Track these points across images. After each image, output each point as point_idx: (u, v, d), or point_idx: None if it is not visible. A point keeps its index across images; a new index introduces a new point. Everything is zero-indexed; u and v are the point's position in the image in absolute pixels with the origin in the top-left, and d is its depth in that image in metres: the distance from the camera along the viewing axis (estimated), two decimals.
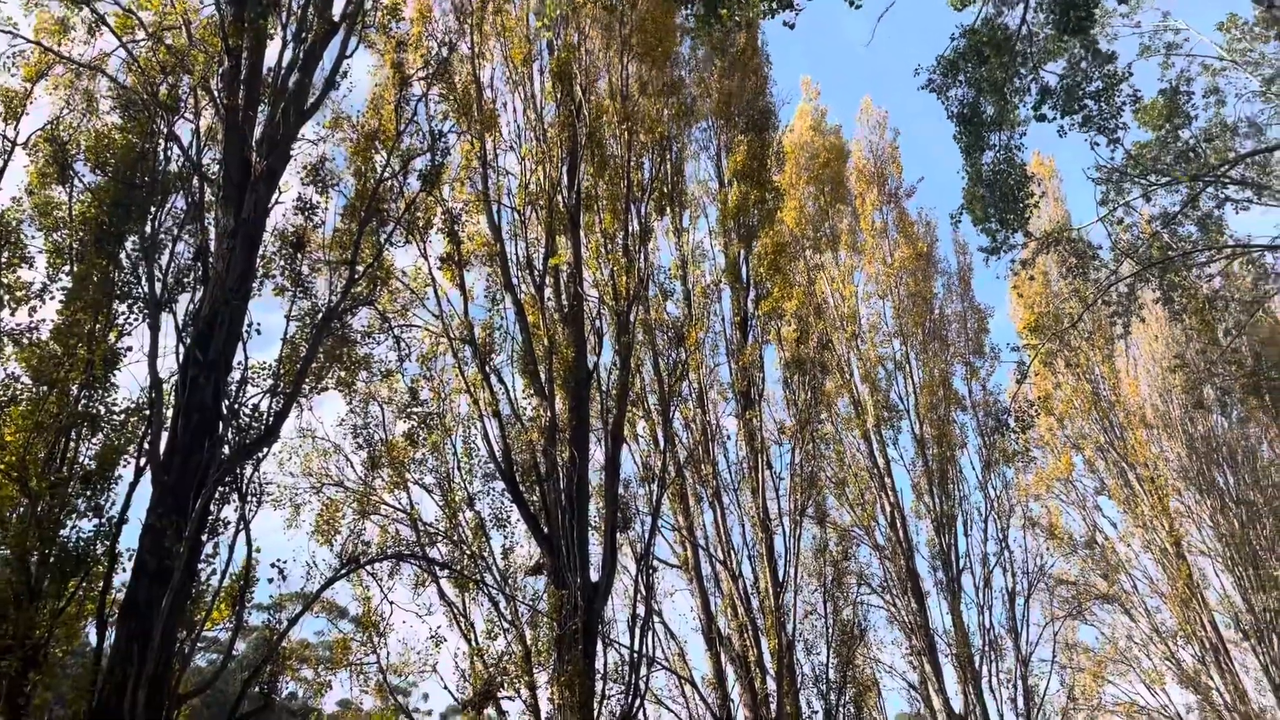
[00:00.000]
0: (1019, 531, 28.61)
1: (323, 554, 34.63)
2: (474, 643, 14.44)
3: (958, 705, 24.60)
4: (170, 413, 10.94)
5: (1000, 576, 25.75)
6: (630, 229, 18.16)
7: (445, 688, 14.88)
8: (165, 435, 10.79)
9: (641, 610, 15.64)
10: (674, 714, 19.99)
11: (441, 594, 14.88)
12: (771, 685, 19.95)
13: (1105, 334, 31.95)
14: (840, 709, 20.42)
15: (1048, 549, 29.10)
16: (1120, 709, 30.38)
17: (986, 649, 24.75)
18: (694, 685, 19.91)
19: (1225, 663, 30.20)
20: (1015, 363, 29.78)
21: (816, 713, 20.39)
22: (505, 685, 14.17)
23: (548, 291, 17.40)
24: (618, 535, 16.50)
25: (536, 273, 17.36)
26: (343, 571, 12.31)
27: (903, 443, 27.42)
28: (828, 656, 20.70)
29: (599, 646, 15.03)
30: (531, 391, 16.47)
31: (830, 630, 21.12)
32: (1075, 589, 29.90)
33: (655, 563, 18.58)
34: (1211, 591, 32.03)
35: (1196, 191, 14.85)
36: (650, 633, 15.98)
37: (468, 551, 14.82)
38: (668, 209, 20.57)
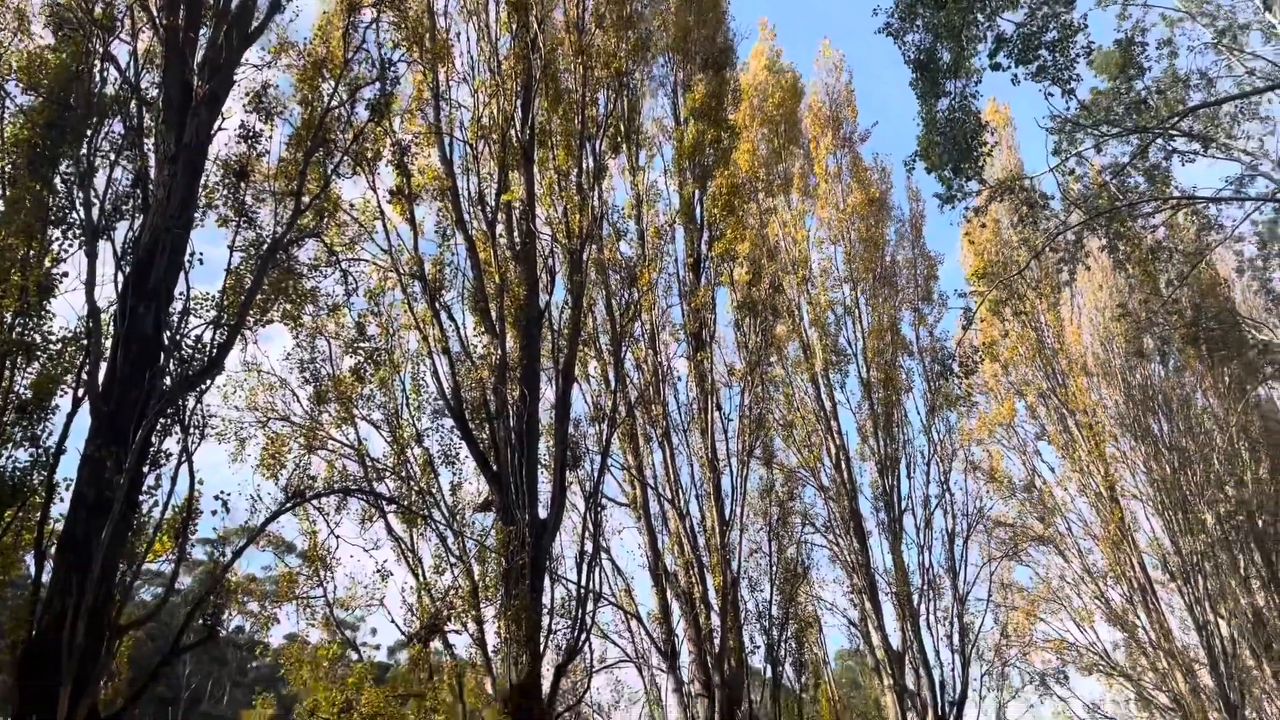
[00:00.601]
0: (960, 475, 29.31)
1: (268, 488, 34.45)
2: (421, 577, 14.50)
3: (896, 642, 25.33)
4: (110, 343, 10.68)
5: (941, 518, 26.44)
6: (585, 166, 17.96)
7: (393, 621, 15.00)
8: (104, 365, 10.55)
9: (589, 547, 15.79)
10: (620, 648, 20.37)
11: (389, 529, 14.88)
12: (716, 621, 20.35)
13: (1052, 282, 32.42)
14: (783, 644, 20.96)
15: (987, 492, 29.85)
16: (1050, 645, 31.49)
17: (925, 588, 25.45)
18: (640, 620, 20.27)
19: (1152, 602, 31.37)
20: (962, 309, 30.13)
21: (759, 647, 20.94)
22: (452, 619, 14.28)
23: (500, 228, 17.20)
24: (567, 474, 16.58)
25: (489, 209, 17.13)
26: (288, 505, 12.23)
27: (850, 387, 27.83)
28: (771, 593, 21.17)
29: (546, 582, 15.19)
30: (482, 329, 16.36)
31: (774, 568, 21.56)
32: (1012, 531, 30.75)
33: (604, 501, 18.76)
34: (1141, 534, 33.11)
35: (1146, 143, 15.00)
36: (598, 569, 16.17)
37: (416, 487, 14.80)
38: (623, 147, 20.37)
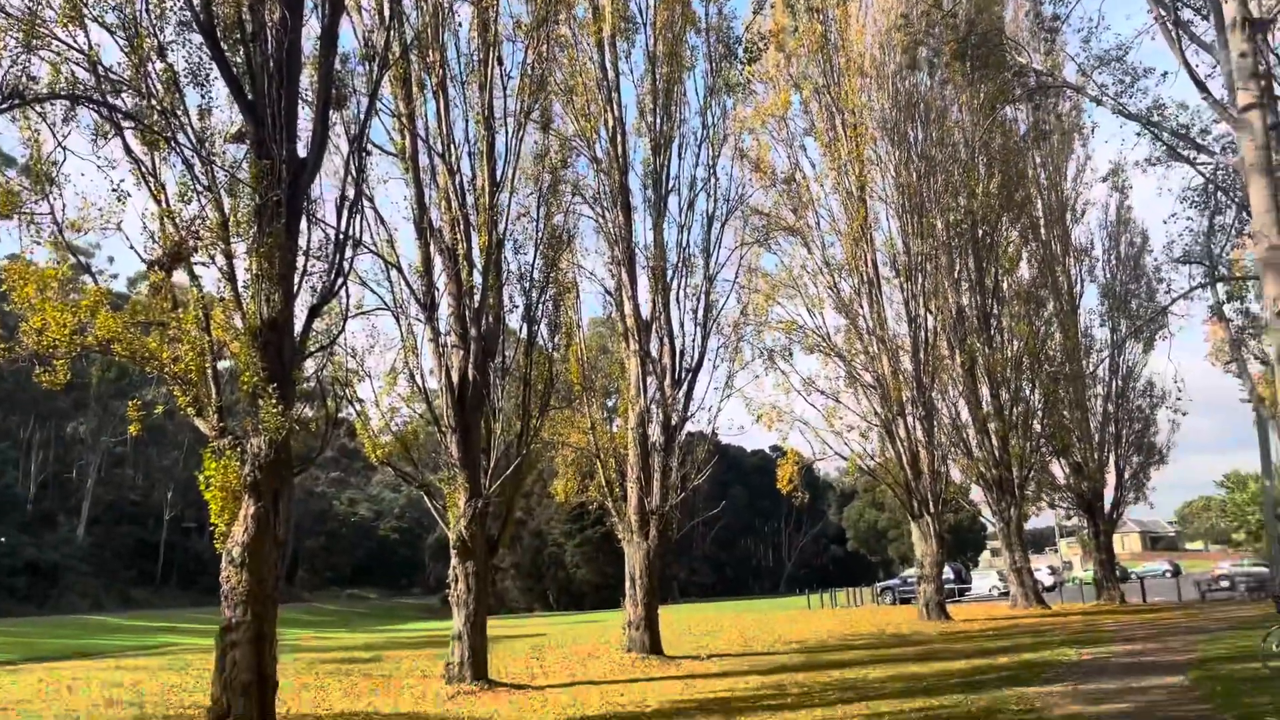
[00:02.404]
0: (728, 161, 30.26)
1: None
2: (164, 204, 13.58)
3: (646, 312, 26.86)
4: None
5: (704, 200, 27.34)
6: None
7: (132, 248, 14.14)
8: None
9: (351, 192, 15.21)
10: (379, 296, 20.37)
11: (127, 149, 13.60)
12: (478, 279, 20.68)
13: None
14: (540, 305, 21.67)
15: (751, 180, 31.00)
16: (782, 326, 34.49)
17: (680, 265, 26.78)
18: (401, 271, 20.23)
19: (876, 295, 34.69)
20: None
21: (518, 307, 21.56)
22: (199, 251, 13.67)
23: None
24: (330, 112, 15.58)
25: None
26: (4, 106, 10.86)
27: (635, 59, 27.27)
28: (534, 257, 21.55)
29: (304, 224, 14.65)
30: None
31: (540, 233, 21.83)
32: (767, 220, 32.45)
33: (370, 146, 17.98)
34: (880, 234, 35.99)
35: None
36: (359, 216, 15.74)
37: (158, 106, 13.45)
38: None
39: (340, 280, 15.00)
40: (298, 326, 14.50)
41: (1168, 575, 61.96)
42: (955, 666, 18.96)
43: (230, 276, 13.88)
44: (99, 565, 75.60)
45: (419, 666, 24.15)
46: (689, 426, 27.11)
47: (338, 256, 14.95)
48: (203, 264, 14.08)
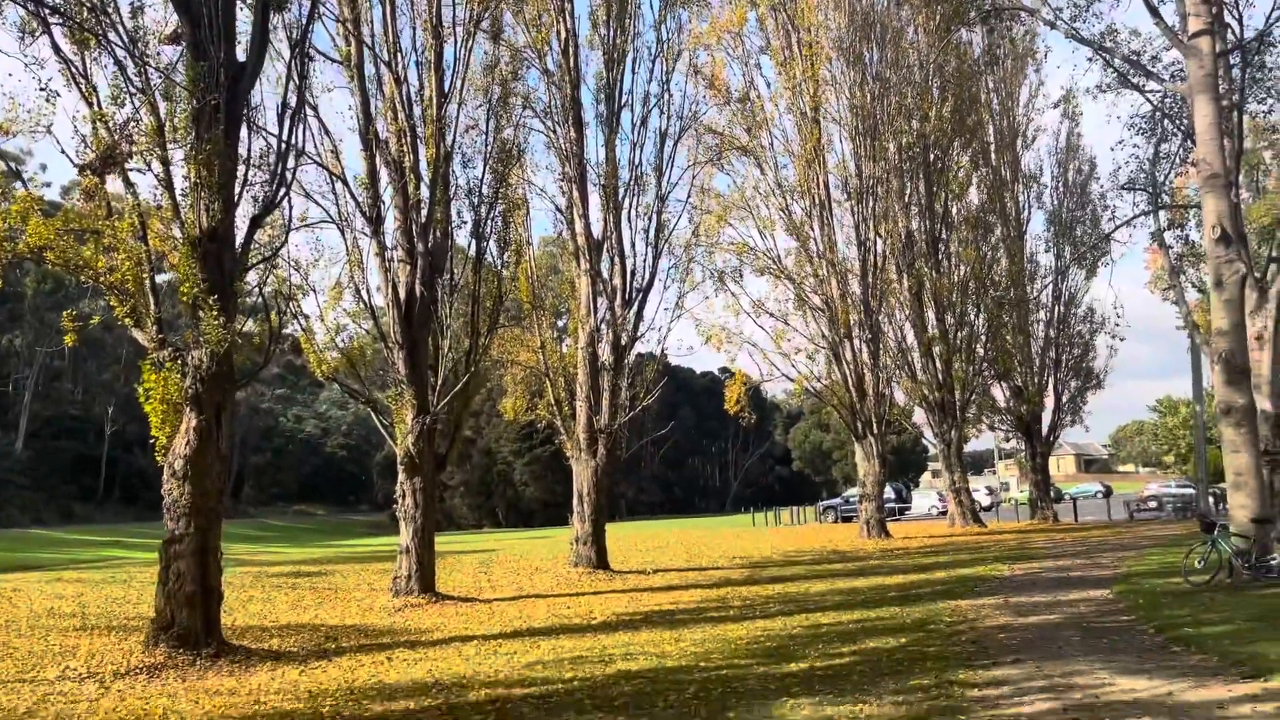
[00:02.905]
0: (682, 77, 29.70)
1: None
2: (96, 106, 13.06)
3: (597, 231, 26.64)
4: None
5: (657, 117, 26.98)
6: None
7: (63, 153, 13.64)
8: None
9: (293, 100, 14.75)
10: (323, 209, 19.92)
11: (56, 48, 12.99)
12: (425, 192, 20.29)
13: None
14: (489, 221, 21.35)
15: (705, 98, 30.60)
16: (734, 248, 34.44)
17: (632, 183, 26.49)
18: (346, 183, 19.76)
19: (827, 218, 34.72)
20: None
21: (466, 222, 21.25)
22: (134, 156, 13.21)
23: None
24: (271, 14, 15.01)
25: None
26: None
27: None
28: (483, 172, 21.18)
29: (244, 131, 14.21)
30: None
31: (489, 147, 21.42)
32: (720, 139, 32.11)
33: (312, 52, 17.32)
34: (833, 156, 35.85)
35: None
36: (302, 125, 15.22)
37: (87, 3, 12.85)
38: None
39: (283, 191, 14.65)
40: (239, 237, 14.20)
41: (1099, 496, 64.22)
42: (893, 581, 19.54)
43: (167, 184, 13.47)
44: (38, 480, 74.50)
45: (366, 580, 24.33)
46: (639, 347, 27.22)
47: (280, 166, 14.57)
48: (138, 170, 13.65)
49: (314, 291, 20.29)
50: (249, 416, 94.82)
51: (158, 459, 13.48)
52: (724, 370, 73.35)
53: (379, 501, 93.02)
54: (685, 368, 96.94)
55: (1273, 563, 15.41)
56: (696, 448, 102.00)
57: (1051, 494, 45.03)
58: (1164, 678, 8.72)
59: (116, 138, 12.73)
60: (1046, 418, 42.76)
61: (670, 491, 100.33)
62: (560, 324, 32.38)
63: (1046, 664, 9.72)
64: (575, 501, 25.60)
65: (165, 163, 13.43)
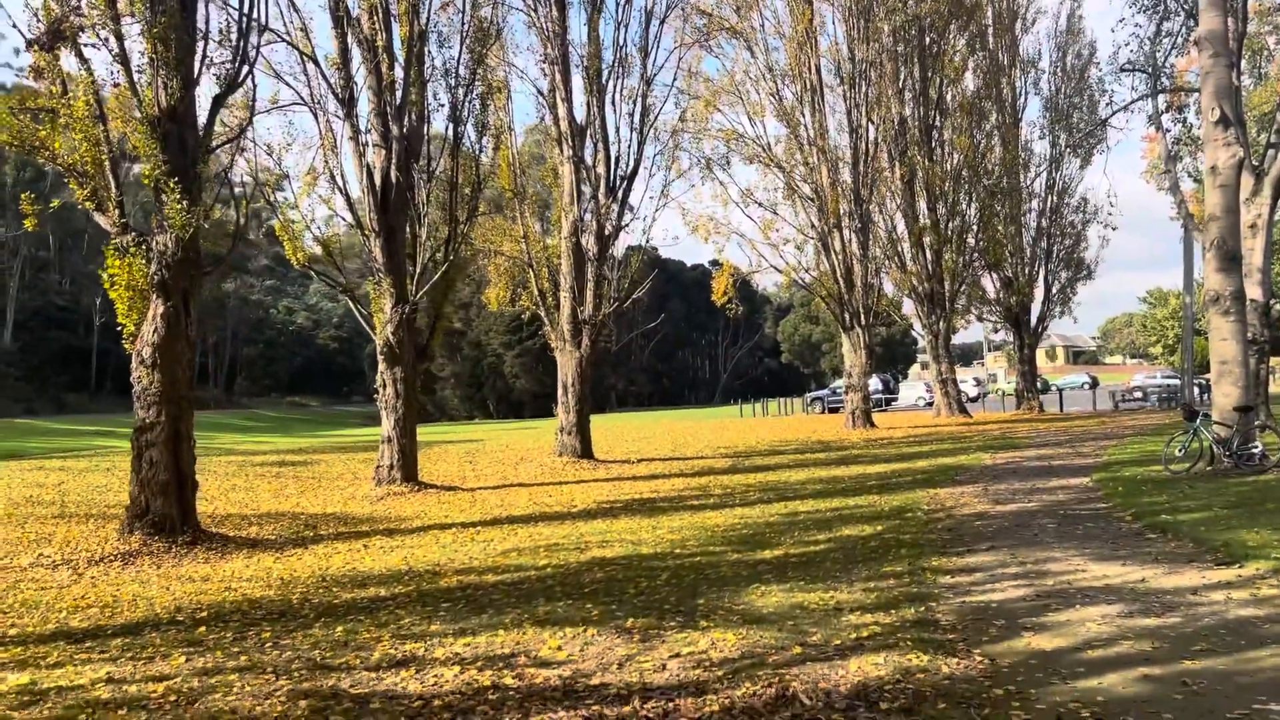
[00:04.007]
0: None
1: None
2: None
3: (581, 116, 25.88)
4: None
5: None
6: None
7: (15, 26, 12.99)
8: None
9: None
10: (294, 90, 19.30)
11: None
12: (400, 73, 19.57)
13: None
14: (467, 104, 20.62)
15: None
16: (722, 134, 33.61)
17: (616, 65, 25.59)
18: (317, 63, 19.01)
19: (818, 103, 33.80)
20: None
21: (444, 105, 20.53)
22: (86, 30, 12.56)
23: None
24: None
25: None
26: None
27: None
28: (460, 52, 20.37)
29: (202, 5, 13.56)
30: None
31: (466, 25, 20.56)
32: (709, 20, 30.98)
33: None
34: (825, 38, 34.70)
35: None
36: None
37: None
38: None
39: (246, 69, 14.04)
40: (201, 118, 13.66)
41: (1086, 387, 64.60)
42: (874, 470, 19.61)
43: (123, 61, 12.87)
44: (29, 370, 74.44)
45: (351, 470, 24.41)
46: (626, 239, 26.74)
47: (243, 43, 13.93)
48: (92, 46, 13.02)
49: (288, 178, 19.79)
50: (239, 308, 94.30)
51: (126, 346, 13.23)
52: (714, 263, 72.80)
53: (371, 392, 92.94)
54: (675, 260, 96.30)
55: (1254, 451, 15.42)
56: (687, 340, 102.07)
57: (1038, 385, 45.18)
58: (1138, 564, 8.70)
59: (65, 10, 12.06)
60: (1035, 309, 42.58)
61: (660, 383, 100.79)
62: (548, 214, 31.77)
63: (1020, 550, 9.71)
64: (560, 392, 25.52)
65: (119, 37, 12.79)
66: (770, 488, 17.44)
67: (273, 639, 7.34)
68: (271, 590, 9.64)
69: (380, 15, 19.18)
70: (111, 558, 11.79)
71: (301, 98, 19.08)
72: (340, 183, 19.62)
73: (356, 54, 19.40)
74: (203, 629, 7.82)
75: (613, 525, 13.49)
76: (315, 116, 19.39)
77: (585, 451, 25.02)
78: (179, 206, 12.57)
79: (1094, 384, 65.18)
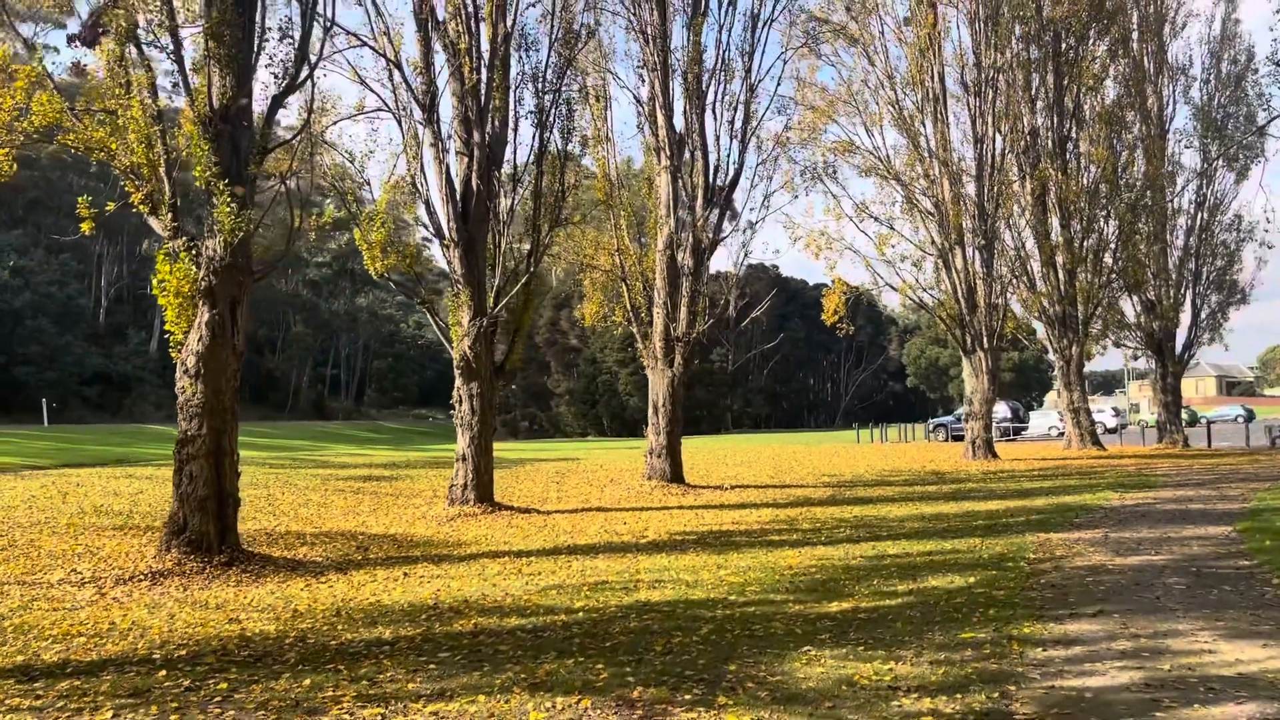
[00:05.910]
0: None
1: None
2: None
3: (680, 125, 24.78)
4: None
5: None
6: None
7: (78, 29, 12.72)
8: None
9: None
10: (379, 97, 18.80)
11: None
12: (484, 75, 18.89)
13: None
14: (554, 110, 19.76)
15: None
16: (836, 147, 31.97)
17: (718, 70, 24.39)
18: (398, 66, 18.45)
19: (941, 113, 31.82)
20: None
21: (531, 112, 19.75)
22: (137, 25, 12.15)
23: None
24: None
25: None
26: None
27: None
28: (548, 54, 19.57)
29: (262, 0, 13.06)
30: None
31: (556, 27, 19.77)
32: (822, 26, 29.52)
33: None
34: (949, 44, 32.72)
35: None
36: None
37: None
38: None
39: (306, 68, 13.48)
40: (258, 118, 13.15)
41: (1239, 420, 59.53)
42: (984, 507, 17.76)
43: (177, 56, 12.45)
44: (169, 379, 77.84)
45: (433, 487, 23.82)
46: (726, 254, 25.46)
47: (304, 40, 13.37)
48: (148, 44, 12.64)
49: (368, 185, 19.35)
50: (370, 321, 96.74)
51: (172, 355, 12.76)
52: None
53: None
54: (797, 279, 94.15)
55: None
56: (807, 361, 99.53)
57: (1184, 417, 41.60)
58: None
59: (106, 2, 11.66)
60: (1181, 335, 39.19)
61: (778, 405, 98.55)
62: (643, 226, 30.77)
63: (1136, 619, 8.04)
64: (650, 412, 24.39)
65: (174, 33, 12.38)
66: (863, 523, 15.85)
67: (226, 692, 6.42)
68: (276, 624, 8.78)
69: (464, 19, 18.54)
70: (141, 577, 11.22)
71: (385, 104, 18.61)
72: (423, 191, 19.05)
73: (439, 59, 18.84)
74: (163, 673, 6.96)
75: (675, 562, 12.23)
76: (399, 123, 18.89)
77: (675, 476, 23.78)
78: (228, 210, 12.00)
79: (1250, 417, 60.00)
